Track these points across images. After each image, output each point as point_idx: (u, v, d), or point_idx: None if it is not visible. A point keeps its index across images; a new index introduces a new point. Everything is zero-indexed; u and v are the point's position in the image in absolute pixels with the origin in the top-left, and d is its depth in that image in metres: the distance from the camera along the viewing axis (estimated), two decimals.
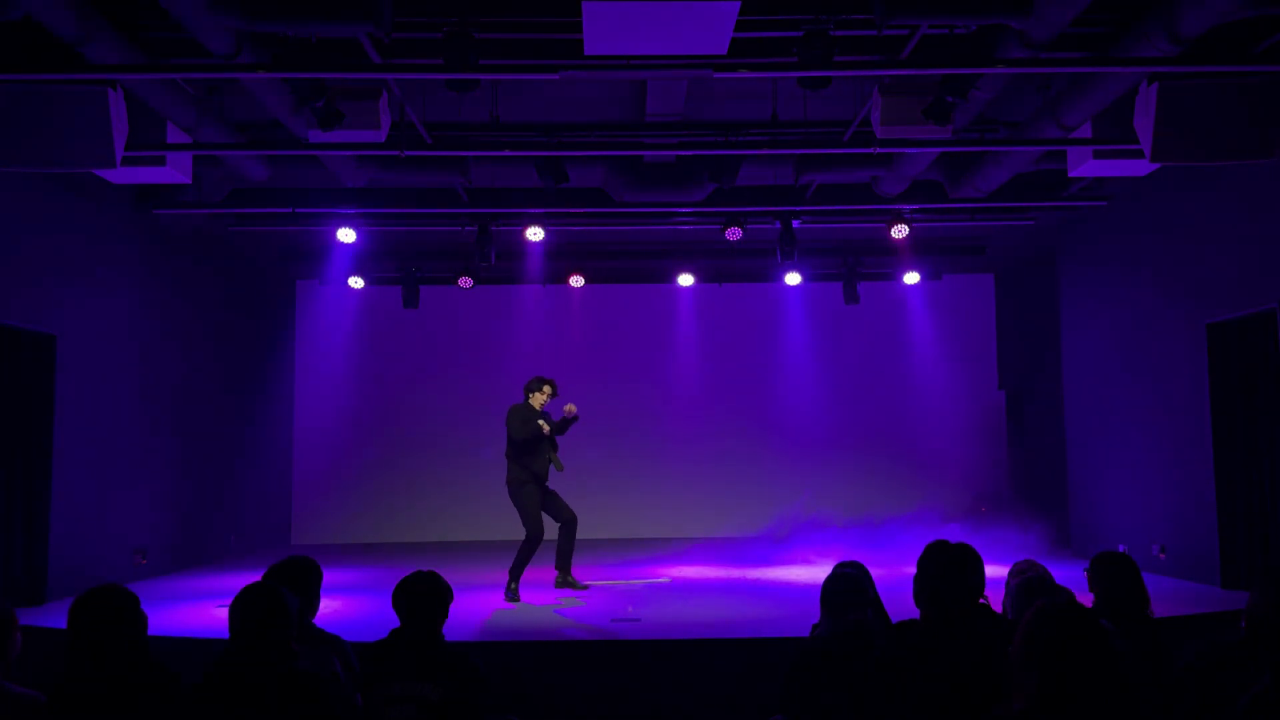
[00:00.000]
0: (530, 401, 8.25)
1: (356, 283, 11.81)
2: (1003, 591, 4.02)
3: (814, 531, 10.41)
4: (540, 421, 8.11)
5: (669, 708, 5.73)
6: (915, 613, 3.34)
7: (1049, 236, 11.21)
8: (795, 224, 9.93)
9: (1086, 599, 3.79)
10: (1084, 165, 7.62)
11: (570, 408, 8.10)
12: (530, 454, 8.13)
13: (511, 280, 12.38)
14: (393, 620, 3.74)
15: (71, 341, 8.19)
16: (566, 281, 11.94)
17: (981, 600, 3.34)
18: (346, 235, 9.78)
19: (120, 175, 7.49)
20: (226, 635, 3.20)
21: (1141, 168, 7.59)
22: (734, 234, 9.92)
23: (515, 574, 7.86)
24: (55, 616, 6.06)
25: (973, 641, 3.12)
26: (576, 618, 7.15)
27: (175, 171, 7.56)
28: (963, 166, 8.85)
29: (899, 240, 10.26)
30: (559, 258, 11.65)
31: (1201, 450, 8.33)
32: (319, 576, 3.99)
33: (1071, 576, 4.49)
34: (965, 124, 7.48)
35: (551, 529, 8.21)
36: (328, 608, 6.92)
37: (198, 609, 7.44)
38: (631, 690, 5.80)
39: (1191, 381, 8.47)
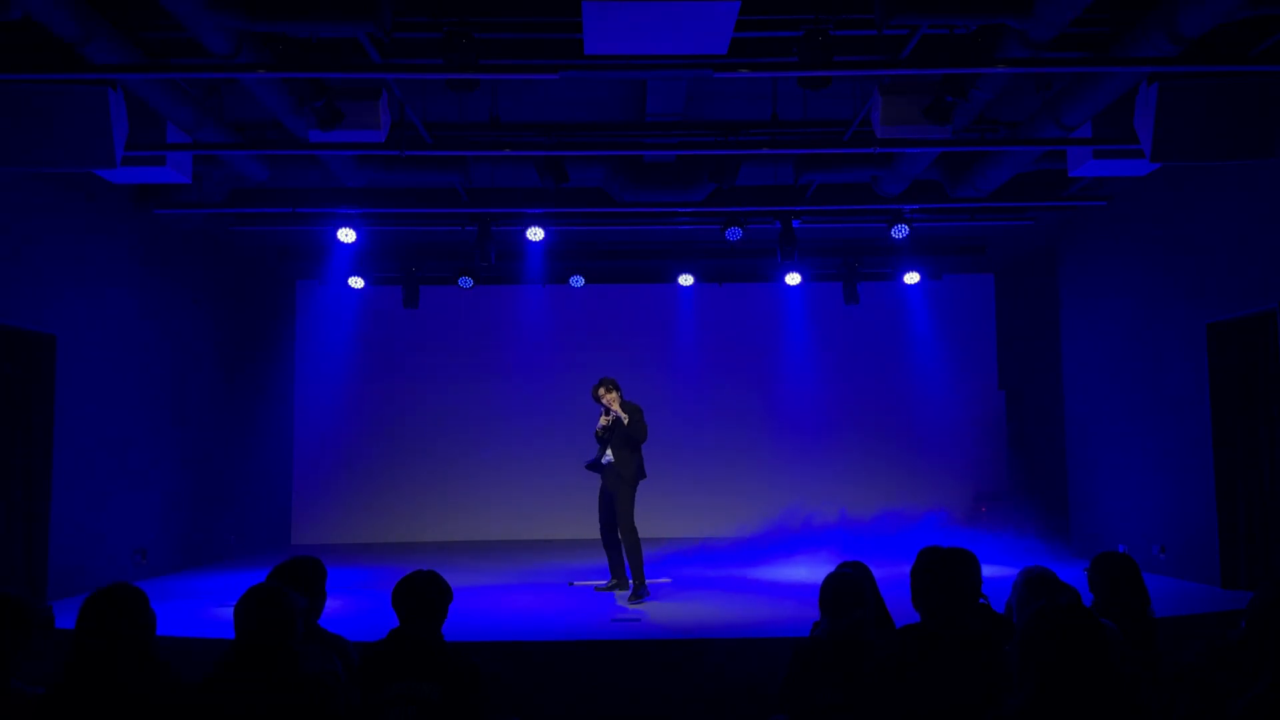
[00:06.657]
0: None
1: (356, 283, 11.81)
2: (1002, 592, 4.03)
3: (815, 531, 10.40)
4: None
5: (669, 708, 5.73)
6: (917, 614, 3.34)
7: (1049, 236, 11.20)
8: (795, 224, 9.92)
9: (1088, 599, 3.80)
10: (1084, 165, 7.61)
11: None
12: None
13: (511, 280, 12.36)
14: (393, 620, 3.74)
15: (71, 341, 8.18)
16: (566, 281, 11.94)
17: (981, 600, 3.34)
18: (346, 235, 9.78)
19: (120, 175, 7.49)
20: (226, 635, 3.20)
21: (1141, 168, 7.59)
22: (734, 234, 9.92)
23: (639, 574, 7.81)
24: (55, 616, 6.05)
25: (973, 642, 3.12)
26: (577, 618, 7.15)
27: (175, 171, 7.55)
28: (963, 166, 8.85)
29: (899, 240, 10.26)
30: (559, 258, 11.64)
31: (1201, 450, 8.32)
32: (324, 576, 3.99)
33: (1072, 576, 4.49)
34: (965, 124, 7.47)
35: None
36: (328, 607, 6.92)
37: (198, 609, 7.42)
38: (632, 690, 5.79)
39: (1191, 381, 8.46)
